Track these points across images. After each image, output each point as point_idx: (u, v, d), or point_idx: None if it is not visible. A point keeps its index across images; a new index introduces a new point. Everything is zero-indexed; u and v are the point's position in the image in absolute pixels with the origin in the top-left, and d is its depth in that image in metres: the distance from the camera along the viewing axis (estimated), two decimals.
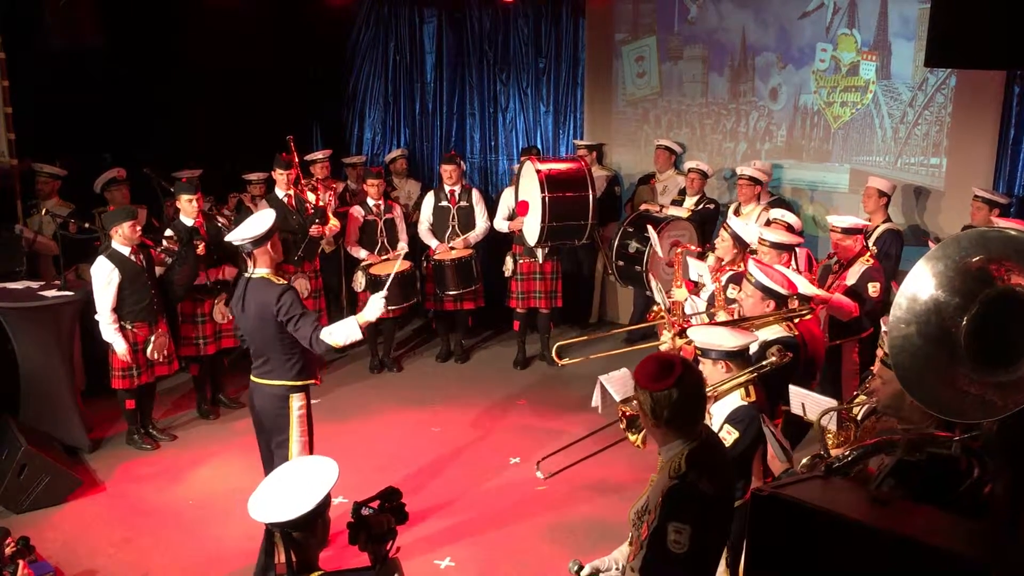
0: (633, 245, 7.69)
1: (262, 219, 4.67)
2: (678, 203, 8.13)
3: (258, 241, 4.58)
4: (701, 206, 7.97)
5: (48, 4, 7.79)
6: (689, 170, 8.12)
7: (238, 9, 7.94)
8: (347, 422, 7.04)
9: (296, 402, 4.76)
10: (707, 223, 7.87)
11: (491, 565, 5.17)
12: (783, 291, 4.61)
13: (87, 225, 6.91)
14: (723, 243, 5.77)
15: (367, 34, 9.91)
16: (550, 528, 5.53)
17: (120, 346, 6.25)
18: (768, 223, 6.81)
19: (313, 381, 4.86)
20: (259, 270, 4.63)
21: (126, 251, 6.24)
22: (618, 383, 4.43)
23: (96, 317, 6.24)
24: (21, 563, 4.56)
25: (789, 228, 6.14)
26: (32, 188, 7.25)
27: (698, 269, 5.91)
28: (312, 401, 7.25)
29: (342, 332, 4.54)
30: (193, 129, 8.57)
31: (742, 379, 3.88)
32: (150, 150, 7.91)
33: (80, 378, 6.92)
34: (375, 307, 4.63)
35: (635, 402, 4.06)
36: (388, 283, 5.01)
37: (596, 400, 4.80)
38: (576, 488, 5.87)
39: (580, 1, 9.10)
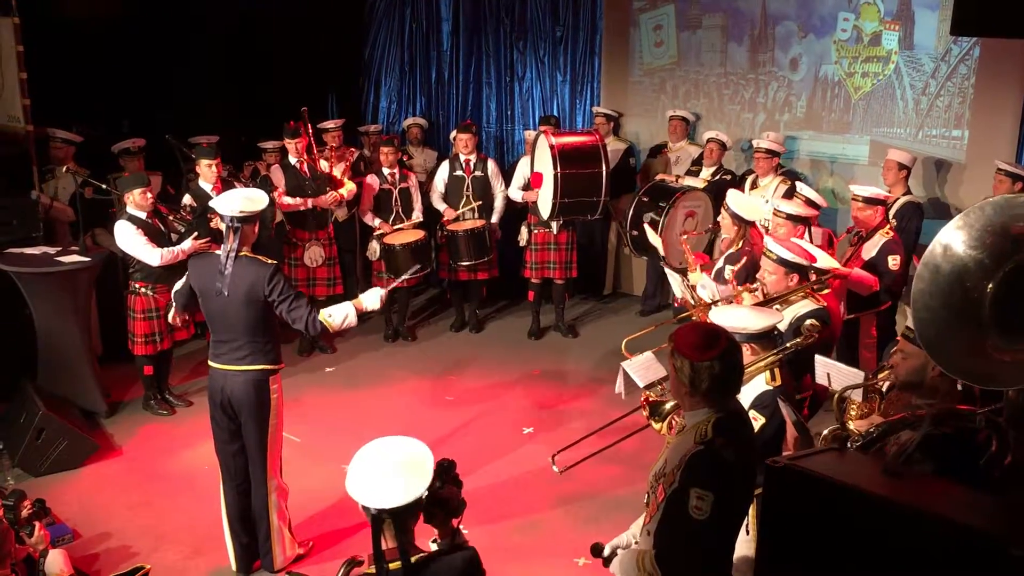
0: (647, 215, 7.64)
1: (256, 196, 4.52)
2: (694, 173, 8.06)
3: (250, 218, 4.44)
4: (718, 177, 7.90)
5: None
6: (708, 140, 8.04)
7: None
8: (361, 390, 7.07)
9: (273, 385, 4.60)
10: (723, 195, 7.77)
11: (502, 535, 5.19)
12: (805, 263, 4.57)
13: (103, 186, 6.91)
14: (724, 221, 5.70)
15: (383, 2, 9.82)
16: (562, 499, 5.54)
17: (187, 244, 6.22)
18: (786, 196, 6.76)
19: (283, 364, 4.71)
20: (242, 248, 4.45)
21: (143, 216, 6.24)
22: (641, 369, 4.38)
23: (153, 263, 6.19)
24: (38, 524, 4.61)
25: (810, 203, 6.07)
26: (47, 154, 7.25)
27: (676, 283, 5.74)
28: (327, 369, 7.43)
29: (340, 314, 4.44)
30: (210, 96, 8.55)
31: (769, 361, 3.82)
32: (167, 117, 7.90)
33: (97, 343, 6.96)
34: (374, 298, 4.54)
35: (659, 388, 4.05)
36: (394, 284, 4.90)
37: (619, 387, 4.75)
38: (593, 460, 5.86)
39: None
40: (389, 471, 2.76)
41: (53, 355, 6.41)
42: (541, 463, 5.92)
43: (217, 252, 4.52)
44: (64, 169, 7.04)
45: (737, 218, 5.58)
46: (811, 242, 5.67)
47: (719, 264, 5.59)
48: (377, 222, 7.86)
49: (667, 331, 6.18)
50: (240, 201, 4.43)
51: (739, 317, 3.95)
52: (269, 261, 4.45)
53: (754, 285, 4.69)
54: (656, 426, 3.80)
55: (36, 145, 7.07)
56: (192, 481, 5.70)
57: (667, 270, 5.81)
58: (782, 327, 4.43)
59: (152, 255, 6.19)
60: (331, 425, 6.44)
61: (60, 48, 7.41)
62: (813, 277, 4.72)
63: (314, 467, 5.70)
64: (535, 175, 7.51)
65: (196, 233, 6.41)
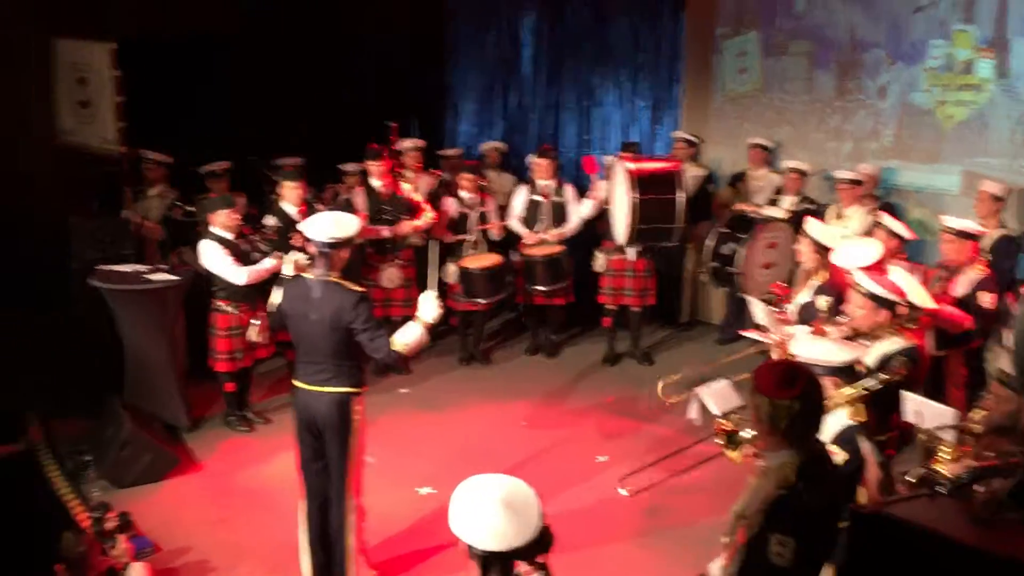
0: (727, 247, 7.54)
1: (347, 221, 4.56)
2: (775, 203, 7.93)
3: (339, 244, 4.49)
4: (800, 206, 7.75)
5: None
6: (787, 169, 7.90)
7: (343, 5, 8.05)
8: (435, 413, 7.09)
9: (357, 407, 4.64)
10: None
11: (576, 567, 5.12)
12: (896, 298, 4.43)
13: (190, 209, 7.12)
14: (803, 249, 5.57)
15: (466, 27, 9.93)
16: (637, 530, 5.46)
17: (269, 263, 6.38)
18: (874, 226, 6.59)
19: (367, 387, 4.77)
20: (330, 273, 4.50)
21: (228, 235, 6.40)
22: (717, 396, 4.31)
23: (238, 282, 6.35)
24: (121, 537, 4.75)
25: (894, 235, 5.91)
26: (139, 175, 7.49)
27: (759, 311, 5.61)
28: (402, 390, 7.48)
29: (410, 336, 4.45)
30: (294, 119, 8.74)
31: (852, 395, 3.72)
32: (253, 139, 8.10)
33: (182, 359, 7.13)
34: (430, 306, 4.54)
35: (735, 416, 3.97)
36: (433, 286, 4.85)
37: (693, 412, 4.70)
38: (664, 489, 5.79)
39: None
40: (500, 512, 2.64)
41: (139, 370, 6.60)
42: (615, 492, 5.85)
43: (307, 276, 4.59)
44: (154, 191, 7.27)
45: (817, 246, 5.46)
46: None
47: (807, 296, 5.45)
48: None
49: (746, 362, 6.15)
50: (330, 227, 4.48)
51: (822, 349, 3.86)
52: (356, 288, 4.49)
53: (841, 319, 4.57)
54: (731, 455, 3.74)
55: (129, 166, 7.32)
56: (270, 498, 5.78)
57: (749, 298, 5.70)
58: (868, 362, 4.32)
59: (236, 274, 6.33)
60: (405, 447, 6.47)
61: (152, 71, 7.65)
62: (903, 311, 4.57)
63: (387, 489, 5.72)
64: (588, 158, 7.62)
65: (279, 253, 6.53)
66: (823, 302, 5.07)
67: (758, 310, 5.38)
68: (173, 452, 6.16)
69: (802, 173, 7.82)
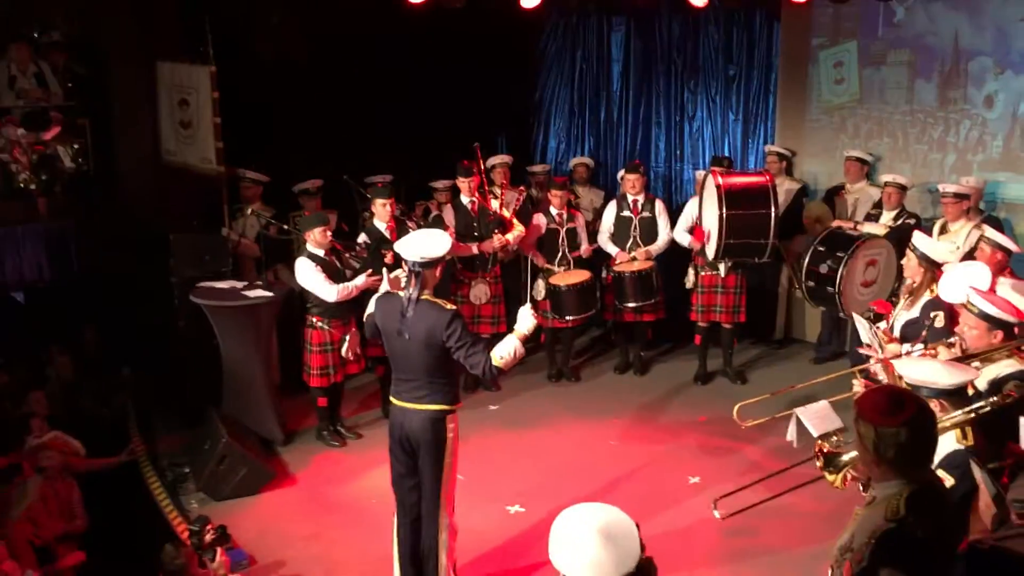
0: (824, 265, 7.32)
1: (439, 241, 4.57)
2: (873, 218, 7.66)
3: (431, 263, 4.52)
4: (900, 221, 7.47)
5: (256, 18, 8.25)
6: (886, 183, 7.64)
7: (430, 23, 8.13)
8: (524, 430, 7.06)
9: (450, 424, 4.64)
10: (907, 241, 7.34)
11: None
12: (1012, 319, 4.21)
13: (285, 227, 7.28)
14: (909, 264, 5.36)
15: (554, 43, 9.94)
16: (731, 554, 5.34)
17: (360, 280, 6.51)
18: (979, 241, 6.33)
19: (460, 404, 4.77)
20: (423, 291, 4.52)
21: (320, 253, 6.51)
22: (816, 417, 4.16)
23: (329, 299, 6.45)
24: (219, 550, 4.84)
25: (1000, 248, 5.66)
26: (237, 193, 7.69)
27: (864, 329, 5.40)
28: (491, 407, 7.47)
29: (508, 351, 4.43)
30: (384, 136, 8.85)
31: (959, 419, 3.56)
32: (345, 156, 8.23)
33: (276, 374, 7.28)
34: (527, 319, 4.52)
35: (850, 435, 3.82)
36: (530, 296, 4.84)
37: (791, 434, 4.54)
38: (758, 512, 5.61)
39: (776, 5, 8.77)
40: (599, 543, 2.52)
41: (237, 384, 6.74)
42: (708, 515, 5.69)
43: (400, 293, 4.62)
44: (250, 211, 7.45)
45: (925, 260, 5.25)
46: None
47: (913, 313, 5.24)
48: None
49: (842, 382, 5.96)
50: (422, 246, 4.50)
51: (929, 371, 3.69)
52: (448, 306, 4.51)
53: (951, 339, 4.38)
54: (830, 478, 3.60)
55: (227, 185, 7.51)
56: (362, 514, 5.83)
57: (854, 315, 5.50)
58: (980, 385, 4.12)
59: (328, 291, 6.42)
60: (494, 464, 6.44)
61: (248, 91, 7.85)
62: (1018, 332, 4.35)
63: (477, 507, 5.71)
64: (698, 230, 7.46)
65: (370, 270, 6.61)
66: (938, 318, 4.87)
67: (863, 329, 5.19)
68: (268, 466, 6.27)
69: (902, 187, 7.54)
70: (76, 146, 7.99)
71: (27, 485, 5.26)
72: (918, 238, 5.43)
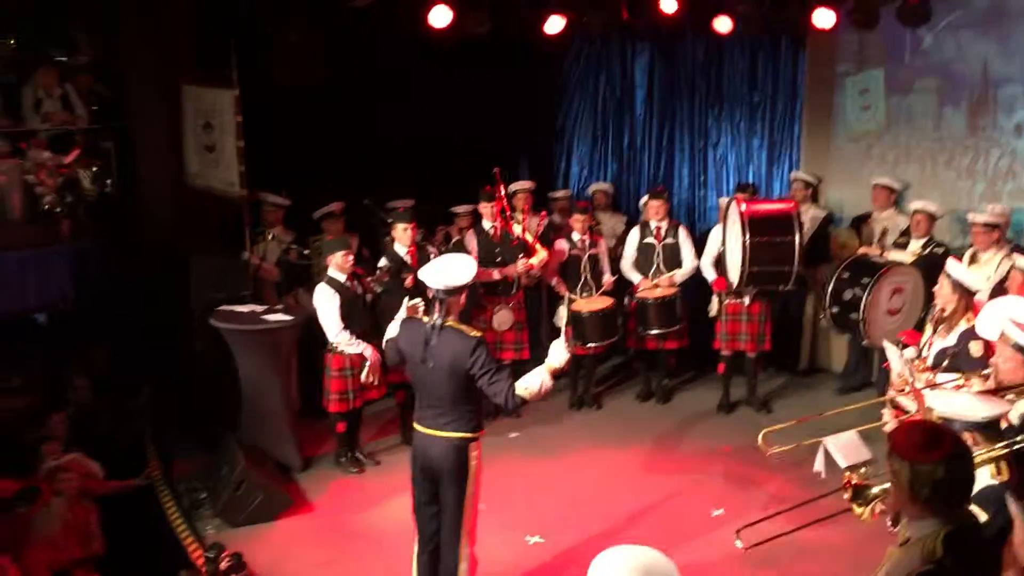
0: (849, 292, 7.21)
1: (464, 268, 4.52)
2: (902, 246, 7.55)
3: (456, 291, 4.48)
4: (928, 250, 7.36)
5: (278, 41, 8.28)
6: (915, 211, 7.52)
7: (452, 47, 8.14)
8: (545, 458, 6.96)
9: (474, 452, 4.58)
10: (934, 269, 7.21)
11: None
12: None
13: (305, 252, 7.25)
14: (943, 291, 5.25)
15: (578, 69, 9.93)
16: None
17: (369, 354, 6.47)
18: (1010, 271, 6.22)
19: (483, 432, 4.69)
20: (447, 318, 4.48)
21: (342, 278, 6.48)
22: (844, 447, 4.06)
23: (333, 339, 6.46)
24: None
25: None
26: (258, 217, 7.68)
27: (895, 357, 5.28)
28: (511, 435, 7.37)
29: (535, 383, 4.37)
30: (405, 160, 8.84)
31: (994, 454, 3.45)
32: (366, 181, 8.22)
33: (295, 399, 7.23)
34: (560, 353, 4.46)
35: (879, 467, 3.72)
36: (563, 325, 4.78)
37: (819, 464, 4.43)
38: (783, 546, 5.47)
39: (801, 32, 8.72)
40: None
41: (255, 409, 6.70)
42: (732, 549, 5.56)
43: (424, 319, 4.57)
44: (270, 236, 7.44)
45: (960, 288, 5.15)
46: None
47: (951, 341, 5.12)
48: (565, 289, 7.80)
49: (870, 412, 5.83)
50: (447, 274, 4.45)
51: (962, 403, 3.62)
52: (473, 333, 4.45)
53: (986, 371, 4.26)
54: (858, 511, 3.49)
55: (248, 208, 7.50)
56: (379, 542, 5.75)
57: (885, 343, 5.40)
58: (1012, 419, 4.00)
59: (333, 328, 6.43)
60: (513, 493, 6.34)
61: (269, 115, 7.87)
62: None
63: (495, 536, 5.59)
64: (720, 280, 7.54)
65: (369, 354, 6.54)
66: (975, 347, 4.76)
67: (894, 357, 5.08)
68: (286, 492, 6.20)
69: (931, 215, 7.42)
70: (96, 168, 8.02)
71: (49, 508, 5.22)
72: (952, 265, 5.34)
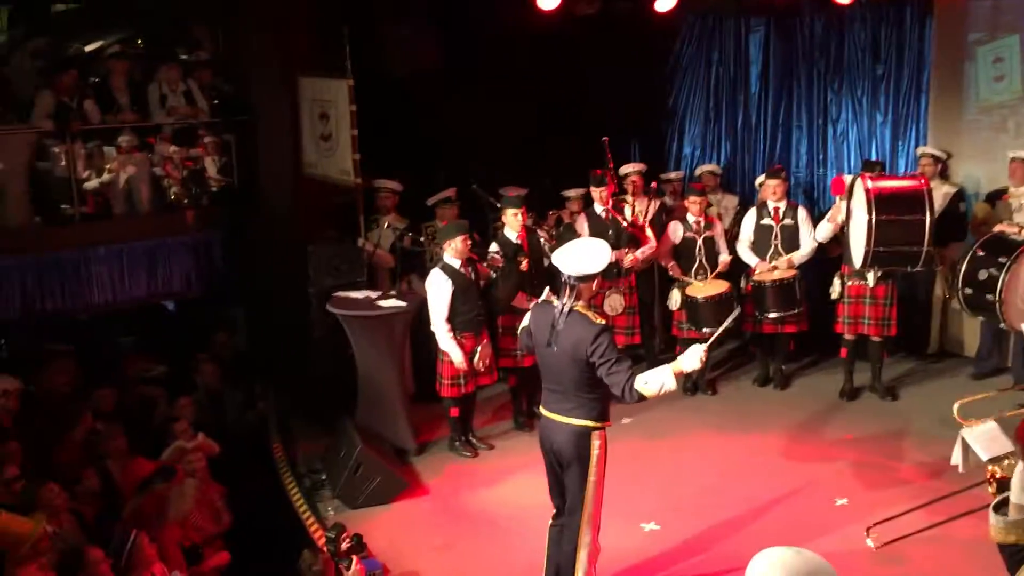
0: (984, 272, 6.83)
1: (599, 254, 4.45)
2: None
3: (588, 278, 4.42)
4: None
5: (391, 31, 8.38)
6: None
7: (564, 30, 8.07)
8: (660, 444, 6.86)
9: (596, 441, 4.50)
10: None
11: None
12: None
13: (420, 238, 7.32)
14: None
15: (690, 47, 9.70)
16: None
17: (456, 355, 6.48)
18: None
19: (609, 423, 4.62)
20: (576, 303, 4.42)
21: (457, 264, 6.51)
22: (984, 439, 3.84)
23: (432, 328, 6.52)
24: (355, 558, 4.85)
25: None
26: (373, 204, 7.80)
27: None
28: (624, 420, 7.28)
29: (657, 381, 4.23)
30: (517, 145, 8.82)
31: None
32: (478, 167, 8.24)
33: (409, 384, 7.32)
34: (694, 359, 4.29)
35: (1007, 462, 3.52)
36: (713, 338, 4.58)
37: (956, 457, 4.22)
38: (916, 540, 5.25)
39: (928, 0, 8.28)
40: None
41: (371, 393, 6.82)
42: (858, 542, 5.37)
43: (555, 303, 4.53)
44: (385, 224, 7.54)
45: None
46: None
47: None
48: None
49: (1011, 398, 5.49)
50: (581, 261, 4.40)
51: None
52: (598, 320, 4.39)
53: None
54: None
55: (363, 196, 7.63)
56: (493, 527, 5.78)
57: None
58: None
59: (438, 317, 6.45)
60: (628, 480, 6.21)
61: (383, 103, 7.96)
62: None
63: (611, 524, 5.46)
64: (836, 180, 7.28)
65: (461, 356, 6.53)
66: None
67: None
68: (401, 475, 6.29)
69: None
70: (224, 159, 8.32)
71: (183, 487, 5.43)
72: None
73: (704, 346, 4.35)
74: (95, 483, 5.41)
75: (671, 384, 4.25)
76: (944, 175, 8.16)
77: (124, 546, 4.59)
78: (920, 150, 8.24)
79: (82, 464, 5.58)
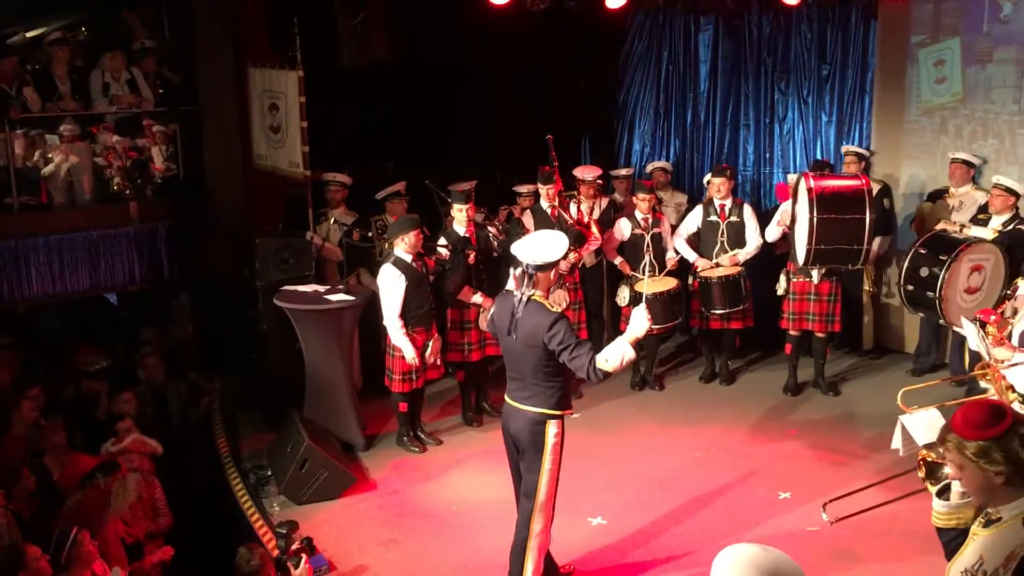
0: (925, 269, 6.98)
1: (556, 244, 4.54)
2: (982, 222, 7.26)
3: (546, 267, 4.50)
4: (1011, 226, 7.06)
5: (342, 23, 8.31)
6: (995, 185, 7.23)
7: (516, 26, 8.07)
8: (606, 438, 6.89)
9: (552, 429, 4.60)
10: (1017, 247, 6.96)
11: None
12: None
13: (368, 234, 7.26)
14: None
15: (640, 45, 9.74)
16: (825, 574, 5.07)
17: (409, 352, 6.47)
18: None
19: (569, 411, 4.75)
20: (535, 292, 4.51)
21: (408, 258, 6.48)
22: (922, 425, 3.93)
23: (384, 323, 6.49)
24: (304, 558, 4.80)
25: None
26: (322, 197, 7.73)
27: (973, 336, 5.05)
28: (573, 415, 7.28)
29: (616, 354, 4.32)
30: (466, 140, 8.82)
31: None
32: (427, 161, 8.21)
33: (358, 378, 7.28)
34: (640, 321, 4.38)
35: (943, 449, 3.60)
36: (646, 297, 4.77)
37: (896, 442, 4.31)
38: (854, 529, 5.34)
39: (872, 2, 8.43)
40: None
41: (318, 388, 6.76)
42: (800, 534, 5.47)
43: (515, 292, 4.62)
44: (332, 220, 7.47)
45: None
46: None
47: None
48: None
49: (953, 391, 5.57)
50: (539, 250, 4.50)
51: None
52: (554, 309, 4.48)
53: None
54: (932, 489, 3.38)
55: (311, 188, 7.55)
56: (441, 521, 5.78)
57: (963, 320, 5.21)
58: None
59: (391, 313, 6.43)
60: (575, 474, 6.21)
61: (332, 96, 7.88)
62: None
63: (558, 517, 5.47)
64: (781, 185, 7.34)
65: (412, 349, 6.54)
66: None
67: (971, 334, 4.90)
68: (349, 470, 6.25)
69: (1011, 191, 7.12)
70: (171, 149, 8.17)
71: (127, 482, 5.34)
72: None
73: (643, 307, 4.42)
74: (31, 483, 5.29)
75: (630, 353, 4.35)
76: (868, 171, 8.26)
77: (64, 544, 4.49)
78: (845, 148, 8.34)
79: (22, 461, 5.46)
